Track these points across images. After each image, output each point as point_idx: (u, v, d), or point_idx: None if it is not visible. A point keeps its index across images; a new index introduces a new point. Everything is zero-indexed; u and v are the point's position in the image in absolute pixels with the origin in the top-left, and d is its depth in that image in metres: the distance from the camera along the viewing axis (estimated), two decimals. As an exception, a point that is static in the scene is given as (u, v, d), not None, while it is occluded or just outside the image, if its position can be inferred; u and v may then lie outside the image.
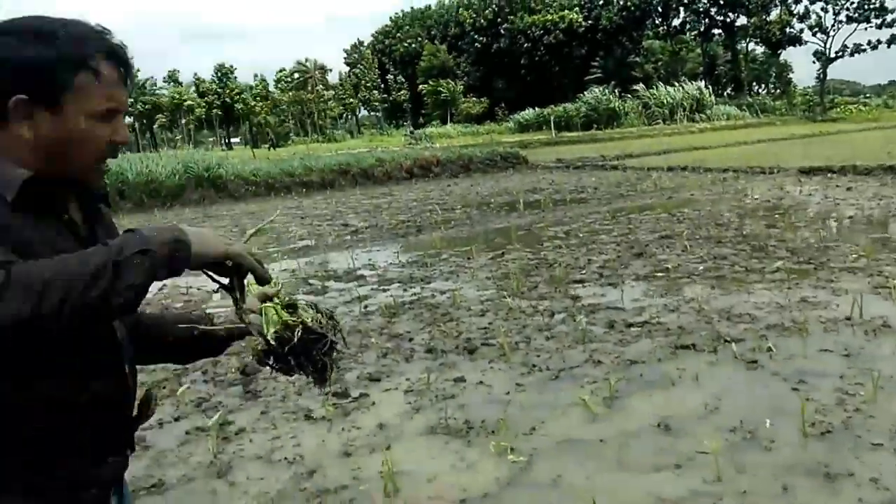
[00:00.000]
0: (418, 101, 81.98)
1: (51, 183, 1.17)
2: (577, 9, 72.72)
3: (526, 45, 73.80)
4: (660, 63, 72.21)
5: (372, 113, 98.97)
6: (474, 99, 72.43)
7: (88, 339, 1.16)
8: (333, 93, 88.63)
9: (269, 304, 1.34)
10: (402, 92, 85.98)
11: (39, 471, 1.12)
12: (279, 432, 3.59)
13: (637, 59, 72.24)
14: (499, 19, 76.88)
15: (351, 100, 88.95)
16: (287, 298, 1.36)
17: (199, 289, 7.10)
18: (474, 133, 55.91)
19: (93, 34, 1.18)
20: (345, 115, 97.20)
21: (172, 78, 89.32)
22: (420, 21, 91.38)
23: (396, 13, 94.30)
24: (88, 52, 1.15)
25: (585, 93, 55.90)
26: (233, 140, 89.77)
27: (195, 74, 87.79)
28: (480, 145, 29.67)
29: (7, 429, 1.09)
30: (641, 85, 55.19)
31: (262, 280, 1.28)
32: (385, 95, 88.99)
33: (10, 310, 0.93)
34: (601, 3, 73.21)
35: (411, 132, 55.21)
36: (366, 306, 6.11)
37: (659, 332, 4.77)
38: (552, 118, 49.98)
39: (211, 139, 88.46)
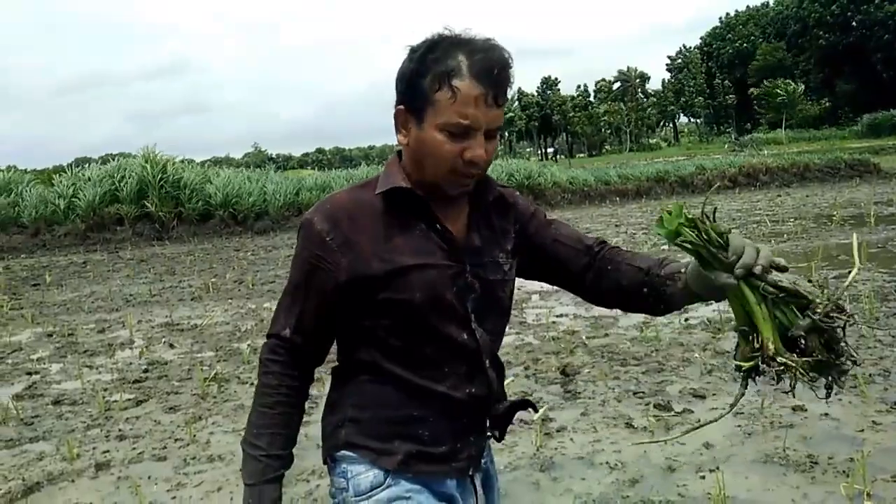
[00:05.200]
0: (745, 106, 76.20)
1: (424, 196, 1.28)
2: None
3: (885, 37, 63.94)
4: None
5: (692, 120, 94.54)
6: (811, 101, 64.91)
7: (441, 344, 1.31)
8: (654, 100, 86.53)
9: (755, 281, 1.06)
10: (728, 96, 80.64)
11: (421, 439, 1.32)
12: (599, 436, 3.59)
13: None
14: (849, 13, 67.82)
15: (671, 107, 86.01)
16: (787, 278, 1.06)
17: (519, 288, 7.46)
18: (809, 138, 50.30)
19: (468, 51, 1.20)
20: (662, 123, 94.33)
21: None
22: (755, 20, 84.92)
23: (728, 14, 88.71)
24: (452, 68, 1.18)
25: (963, 88, 46.69)
26: (548, 150, 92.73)
27: (519, 88, 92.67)
28: (818, 151, 26.55)
29: (394, 407, 1.32)
30: None
31: None
32: (709, 101, 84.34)
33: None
34: None
35: (735, 138, 51.57)
36: (686, 319, 5.83)
37: None
38: (914, 120, 42.75)
39: (528, 149, 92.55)
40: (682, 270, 1.25)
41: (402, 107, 1.26)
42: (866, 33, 66.78)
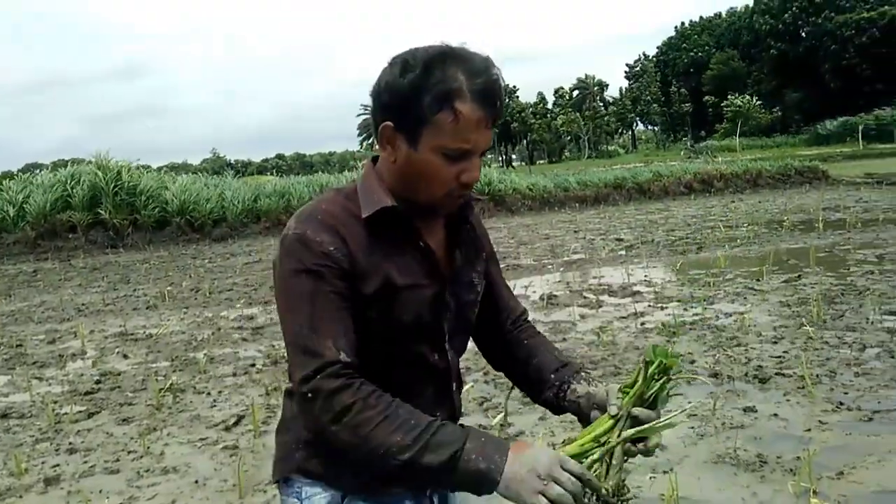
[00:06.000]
0: (700, 114, 77.89)
1: (406, 212, 1.23)
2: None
3: (832, 47, 66.08)
4: None
5: (649, 127, 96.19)
6: (763, 110, 66.71)
7: (413, 366, 1.28)
8: (613, 108, 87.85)
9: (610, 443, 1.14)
10: (684, 104, 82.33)
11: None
12: (557, 440, 3.63)
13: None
14: (799, 22, 69.94)
15: (629, 114, 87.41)
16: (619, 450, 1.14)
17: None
18: (762, 146, 51.64)
19: (469, 71, 1.14)
20: (620, 130, 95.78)
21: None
22: (708, 30, 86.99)
23: (682, 23, 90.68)
24: (455, 90, 1.13)
25: (905, 98, 48.40)
26: (510, 157, 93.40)
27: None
28: (769, 158, 27.27)
29: None
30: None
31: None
32: (665, 108, 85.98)
33: (340, 439, 1.13)
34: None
35: (691, 146, 52.62)
36: (642, 323, 5.93)
37: None
38: (860, 128, 44.21)
39: (490, 156, 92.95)
40: (589, 384, 1.31)
41: (389, 123, 1.18)
42: (815, 44, 68.89)
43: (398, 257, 1.23)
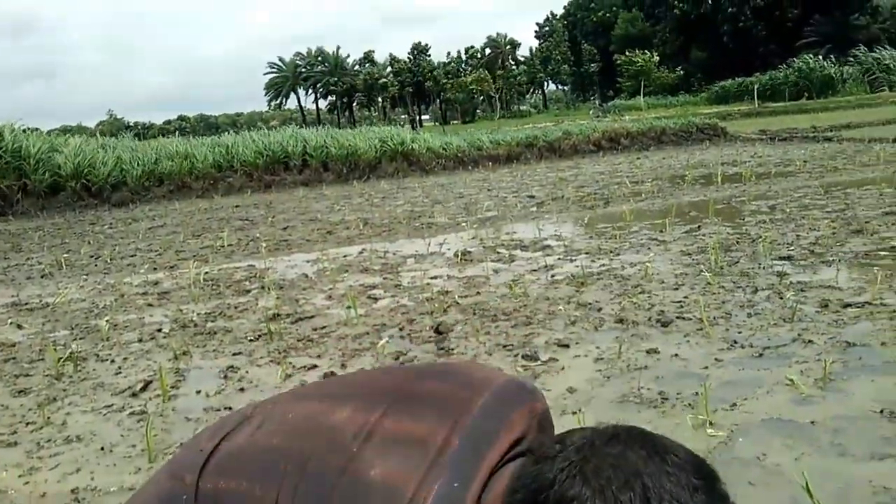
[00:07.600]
0: (608, 74, 79.60)
1: None
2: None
3: (730, 9, 68.62)
4: (887, 23, 63.74)
5: (559, 87, 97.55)
6: (667, 70, 68.86)
7: None
8: (524, 68, 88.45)
9: None
10: (592, 64, 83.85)
11: None
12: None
13: (861, 19, 64.15)
14: (702, -17, 72.13)
15: (539, 74, 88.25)
16: None
17: (394, 253, 7.50)
18: (666, 105, 53.39)
19: None
20: (532, 90, 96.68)
21: (368, 59, 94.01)
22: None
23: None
24: None
25: (796, 59, 50.93)
26: (423, 117, 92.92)
27: (390, 54, 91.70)
28: (673, 117, 28.23)
29: None
30: (863, 48, 49.18)
31: None
32: (574, 68, 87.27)
33: None
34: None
35: (599, 105, 53.76)
36: (553, 275, 6.09)
37: (883, 314, 4.27)
38: (755, 87, 46.31)
39: (403, 116, 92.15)
40: None
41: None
42: (715, 5, 71.31)
43: None
